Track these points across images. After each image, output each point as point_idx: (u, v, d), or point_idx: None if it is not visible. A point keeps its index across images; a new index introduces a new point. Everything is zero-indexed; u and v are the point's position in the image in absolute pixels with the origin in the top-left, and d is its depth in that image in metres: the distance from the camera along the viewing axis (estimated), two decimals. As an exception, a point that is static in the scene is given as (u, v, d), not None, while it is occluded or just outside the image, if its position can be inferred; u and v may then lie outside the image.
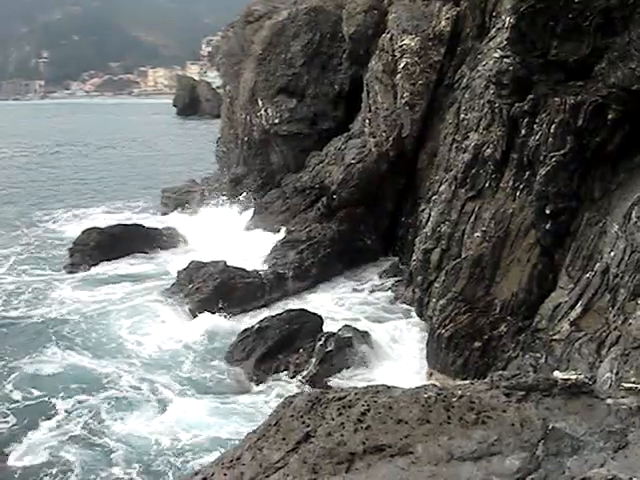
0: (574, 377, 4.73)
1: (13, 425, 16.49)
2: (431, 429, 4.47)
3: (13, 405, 17.47)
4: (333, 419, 4.70)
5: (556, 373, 4.84)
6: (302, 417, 4.81)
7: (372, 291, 25.61)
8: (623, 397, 4.64)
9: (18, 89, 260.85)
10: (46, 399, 17.66)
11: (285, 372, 19.25)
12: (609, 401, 4.57)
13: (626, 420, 4.37)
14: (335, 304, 24.30)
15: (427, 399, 4.67)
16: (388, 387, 4.97)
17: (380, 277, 26.78)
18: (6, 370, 19.35)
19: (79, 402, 17.41)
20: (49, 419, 16.64)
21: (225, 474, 4.64)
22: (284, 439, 4.71)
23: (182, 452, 15.20)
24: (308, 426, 4.72)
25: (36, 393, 18.02)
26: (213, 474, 4.74)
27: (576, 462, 4.07)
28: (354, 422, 4.62)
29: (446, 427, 4.46)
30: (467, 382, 5.37)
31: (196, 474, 4.88)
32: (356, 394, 4.87)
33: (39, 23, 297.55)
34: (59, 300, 25.04)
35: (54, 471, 14.56)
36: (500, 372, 4.87)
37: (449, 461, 4.22)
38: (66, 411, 17.02)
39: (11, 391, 18.17)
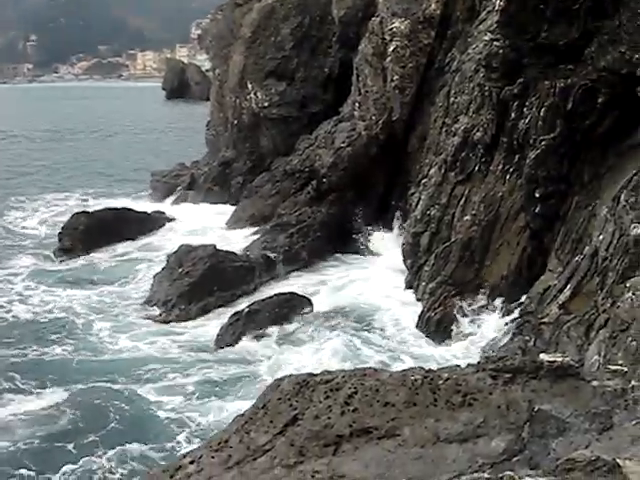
0: (560, 359, 4.75)
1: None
2: (418, 411, 4.49)
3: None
4: (320, 402, 4.71)
5: (542, 356, 4.85)
6: (289, 400, 4.82)
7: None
8: (608, 379, 4.67)
9: (6, 73, 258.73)
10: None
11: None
12: (595, 383, 4.60)
13: (611, 402, 4.41)
14: (325, 286, 24.24)
15: (414, 382, 4.68)
16: (375, 370, 4.99)
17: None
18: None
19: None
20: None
21: (213, 457, 4.65)
22: (272, 422, 4.72)
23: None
24: (295, 409, 4.73)
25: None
26: (201, 457, 4.74)
27: (561, 443, 4.10)
28: (341, 405, 4.63)
29: (432, 409, 4.48)
30: (454, 365, 5.39)
31: (184, 457, 4.89)
32: (343, 377, 4.88)
33: (26, 6, 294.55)
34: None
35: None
36: (487, 354, 4.88)
37: (435, 443, 4.25)
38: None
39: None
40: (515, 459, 4.03)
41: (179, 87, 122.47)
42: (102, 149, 63.23)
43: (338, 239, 27.80)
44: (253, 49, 33.37)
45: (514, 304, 17.41)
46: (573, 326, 14.61)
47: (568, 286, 15.41)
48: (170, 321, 21.64)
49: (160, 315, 22.10)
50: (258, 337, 19.71)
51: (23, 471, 13.98)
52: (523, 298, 17.20)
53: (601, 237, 14.86)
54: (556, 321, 15.13)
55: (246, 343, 19.47)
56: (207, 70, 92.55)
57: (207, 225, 31.60)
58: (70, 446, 14.85)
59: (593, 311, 14.37)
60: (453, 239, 19.21)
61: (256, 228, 29.12)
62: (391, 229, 27.28)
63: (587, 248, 15.35)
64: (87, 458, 14.27)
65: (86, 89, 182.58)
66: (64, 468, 13.91)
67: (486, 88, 18.61)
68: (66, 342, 20.22)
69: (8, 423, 15.68)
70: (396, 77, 26.63)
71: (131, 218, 31.03)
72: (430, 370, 4.87)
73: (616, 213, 14.71)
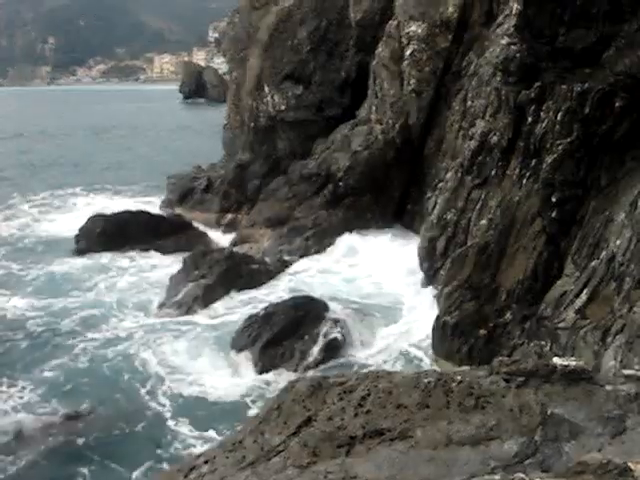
0: (573, 363, 4.76)
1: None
2: (430, 414, 4.51)
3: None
4: (334, 403, 4.74)
5: (555, 359, 4.86)
6: (303, 401, 4.85)
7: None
8: (622, 384, 4.67)
9: (24, 75, 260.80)
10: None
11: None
12: (608, 387, 4.61)
13: (624, 406, 4.41)
14: (339, 287, 24.27)
15: (427, 384, 4.71)
16: (389, 372, 5.02)
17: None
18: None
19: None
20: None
21: (227, 457, 4.69)
22: (285, 423, 4.75)
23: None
24: (309, 410, 4.76)
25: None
26: (215, 457, 4.79)
27: (574, 447, 4.11)
28: (354, 407, 4.66)
29: (445, 412, 4.50)
30: (467, 368, 5.41)
31: (199, 457, 4.93)
32: (357, 379, 4.91)
33: (45, 8, 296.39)
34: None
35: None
36: (500, 358, 4.90)
37: (448, 445, 4.26)
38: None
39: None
40: (527, 462, 4.05)
41: (196, 90, 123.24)
42: (118, 151, 63.63)
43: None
44: (270, 52, 33.47)
45: (530, 309, 17.35)
46: (589, 331, 14.57)
47: (585, 291, 15.36)
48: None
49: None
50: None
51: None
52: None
53: (618, 242, 14.81)
54: (572, 326, 15.08)
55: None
56: (224, 73, 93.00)
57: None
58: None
59: (610, 316, 14.32)
60: (469, 243, 19.17)
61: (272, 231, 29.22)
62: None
63: (604, 253, 15.29)
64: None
65: (103, 92, 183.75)
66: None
67: (503, 92, 18.57)
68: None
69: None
70: (413, 81, 26.67)
71: (148, 221, 31.17)
72: (443, 373, 4.90)
73: (633, 218, 14.66)
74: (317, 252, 27.08)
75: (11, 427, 15.68)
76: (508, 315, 17.85)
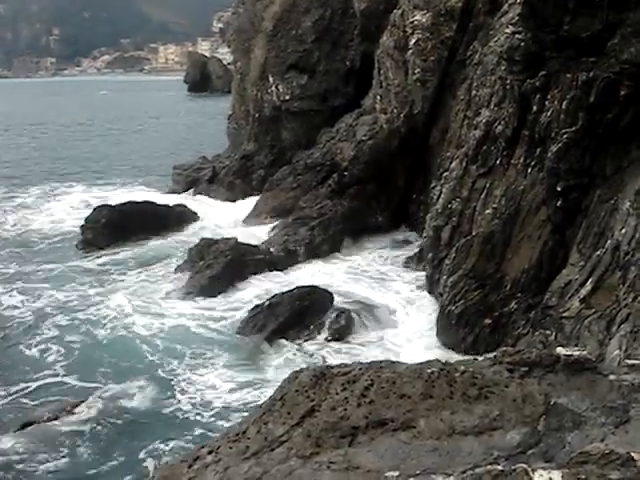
0: (577, 353, 4.76)
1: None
2: (434, 404, 4.51)
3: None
4: (337, 394, 4.75)
5: (559, 349, 4.86)
6: (307, 392, 4.86)
7: (383, 265, 25.59)
8: (626, 373, 4.66)
9: (29, 66, 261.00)
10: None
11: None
12: (612, 377, 4.60)
13: (628, 396, 4.40)
14: (345, 278, 24.26)
15: (430, 374, 4.71)
16: (392, 362, 5.01)
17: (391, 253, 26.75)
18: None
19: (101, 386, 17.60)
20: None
21: (231, 447, 4.70)
22: (289, 413, 4.76)
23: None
24: (312, 401, 4.76)
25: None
26: (219, 447, 4.79)
27: (577, 437, 4.10)
28: (358, 397, 4.66)
29: (448, 402, 4.50)
30: (470, 358, 5.41)
31: (202, 447, 4.94)
32: (360, 369, 4.91)
33: (49, 0, 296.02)
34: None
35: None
36: (504, 348, 4.90)
37: (451, 435, 4.26)
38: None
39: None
40: (530, 452, 4.04)
41: (201, 80, 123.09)
42: (124, 142, 63.68)
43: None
44: (274, 42, 33.42)
45: (535, 298, 17.34)
46: (594, 320, 14.55)
47: (589, 280, 15.33)
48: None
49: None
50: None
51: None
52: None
53: (623, 231, 14.77)
54: (577, 315, 15.06)
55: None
56: (229, 63, 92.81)
57: (229, 217, 31.83)
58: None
59: (615, 305, 14.29)
60: (474, 233, 19.14)
61: (277, 221, 29.21)
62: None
63: (609, 242, 15.25)
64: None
65: (108, 83, 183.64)
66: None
67: (508, 81, 18.51)
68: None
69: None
70: (418, 70, 26.57)
71: (153, 212, 31.17)
72: (447, 363, 4.89)
73: (638, 207, 14.61)
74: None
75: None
76: (513, 304, 17.85)
